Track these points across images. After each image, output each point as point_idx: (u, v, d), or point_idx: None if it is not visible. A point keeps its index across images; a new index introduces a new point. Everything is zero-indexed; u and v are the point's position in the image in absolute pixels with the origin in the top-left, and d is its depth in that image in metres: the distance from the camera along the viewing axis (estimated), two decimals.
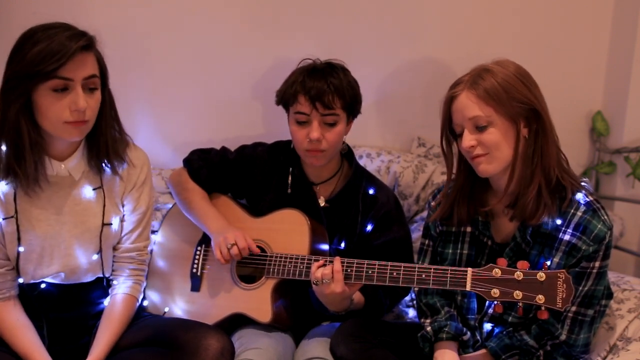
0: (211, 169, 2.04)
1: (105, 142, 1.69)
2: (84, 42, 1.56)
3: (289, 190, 2.00)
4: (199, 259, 2.01)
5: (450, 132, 1.71)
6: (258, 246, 1.91)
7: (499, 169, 1.64)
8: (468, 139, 1.62)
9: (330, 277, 1.72)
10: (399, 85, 2.43)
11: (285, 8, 2.35)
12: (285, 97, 1.91)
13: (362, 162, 2.25)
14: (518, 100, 1.59)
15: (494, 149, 1.61)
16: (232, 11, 2.34)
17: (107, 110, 1.69)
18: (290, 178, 2.00)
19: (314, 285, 1.76)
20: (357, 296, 1.86)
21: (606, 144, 2.47)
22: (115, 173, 1.74)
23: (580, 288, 1.61)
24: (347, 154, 2.05)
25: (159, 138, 2.34)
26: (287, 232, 1.89)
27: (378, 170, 2.31)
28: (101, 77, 1.64)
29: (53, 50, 1.52)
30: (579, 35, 2.44)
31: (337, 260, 1.73)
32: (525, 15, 2.42)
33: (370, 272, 1.70)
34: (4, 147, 1.60)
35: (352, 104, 1.90)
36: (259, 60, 2.37)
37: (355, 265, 1.71)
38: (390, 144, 2.47)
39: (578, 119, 2.49)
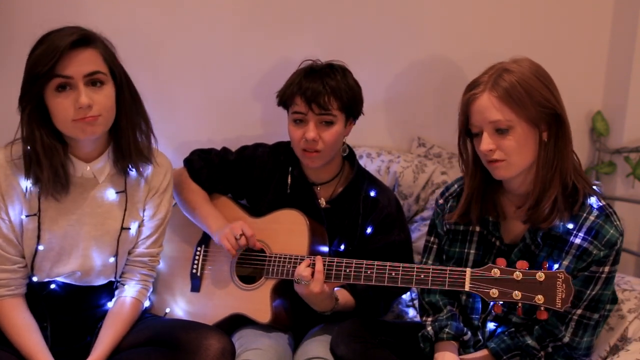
0: (211, 170, 2.04)
1: (128, 143, 1.69)
2: (75, 37, 1.56)
3: (288, 191, 2.00)
4: (198, 260, 2.01)
5: (466, 132, 1.67)
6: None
7: (515, 174, 1.62)
8: (487, 142, 1.58)
9: (310, 279, 1.74)
10: (399, 86, 2.43)
11: (287, 8, 2.35)
12: (284, 98, 1.92)
13: (362, 162, 2.25)
14: (540, 104, 1.56)
15: (513, 155, 1.58)
16: (233, 11, 2.34)
17: (128, 108, 1.69)
18: (289, 178, 2.01)
19: (294, 284, 1.78)
20: (344, 297, 1.87)
21: (606, 144, 2.47)
22: (140, 175, 1.75)
23: (588, 292, 1.61)
24: (348, 156, 2.05)
25: (159, 138, 2.33)
26: (286, 232, 1.90)
27: (378, 170, 2.31)
28: (112, 74, 1.64)
29: (46, 51, 1.55)
30: (579, 35, 2.44)
31: (319, 260, 1.75)
32: (525, 16, 2.42)
33: (369, 272, 1.70)
34: (30, 158, 1.63)
35: (350, 106, 1.89)
36: (261, 61, 2.37)
37: (354, 266, 1.72)
38: (390, 144, 2.47)
39: (578, 119, 2.48)
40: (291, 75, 1.94)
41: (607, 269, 1.60)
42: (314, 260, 1.77)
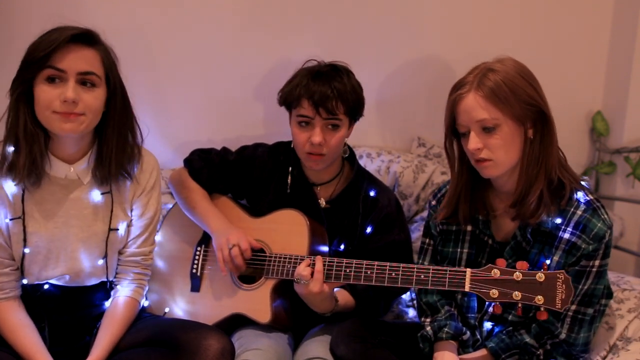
0: (212, 170, 2.04)
1: (110, 152, 1.68)
2: (77, 32, 1.57)
3: (288, 191, 2.00)
4: (198, 260, 2.01)
5: (453, 132, 1.69)
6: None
7: (503, 172, 1.64)
8: (474, 141, 1.60)
9: (309, 279, 1.74)
10: (399, 86, 2.43)
11: (286, 9, 2.35)
12: (289, 99, 1.90)
13: (362, 162, 2.25)
14: (525, 101, 1.58)
15: (500, 153, 1.60)
16: (233, 12, 2.34)
17: (117, 117, 1.67)
18: (289, 179, 2.01)
19: (294, 284, 1.78)
20: (344, 298, 1.87)
21: (606, 144, 2.47)
22: (116, 188, 1.74)
23: (580, 287, 1.61)
24: (349, 157, 2.05)
25: (159, 138, 2.34)
26: (286, 232, 1.90)
27: (378, 170, 2.31)
28: (107, 81, 1.63)
29: (46, 40, 1.56)
30: (579, 35, 2.44)
31: (319, 260, 1.75)
32: (526, 16, 2.42)
33: (369, 272, 1.70)
34: (9, 147, 1.62)
35: (354, 109, 1.89)
36: (260, 61, 2.37)
37: (354, 266, 1.72)
38: (390, 144, 2.47)
39: (578, 119, 2.49)
40: (294, 74, 1.93)
41: (597, 262, 1.61)
42: (313, 260, 1.77)
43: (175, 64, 2.36)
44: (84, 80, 1.58)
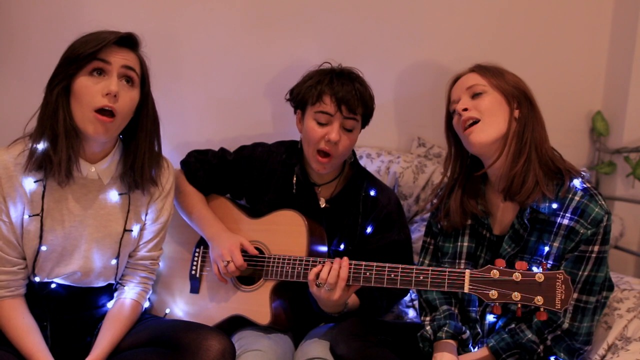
0: (208, 171, 2.04)
1: (142, 162, 1.71)
2: (125, 34, 1.63)
3: (294, 190, 1.99)
4: (197, 261, 2.01)
5: (450, 120, 1.76)
6: (257, 247, 1.92)
7: (489, 140, 1.67)
8: (463, 102, 1.69)
9: (334, 285, 1.71)
10: (399, 86, 2.43)
11: (287, 10, 2.35)
12: (307, 96, 1.89)
13: (362, 162, 2.25)
14: (514, 84, 1.71)
15: (487, 114, 1.67)
16: (234, 12, 2.34)
17: (148, 124, 1.71)
18: (295, 178, 2.00)
19: (314, 287, 1.75)
20: (352, 299, 1.86)
21: (606, 144, 2.47)
22: (143, 192, 1.76)
23: (580, 273, 1.63)
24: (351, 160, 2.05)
25: None
26: (284, 233, 1.89)
27: (378, 170, 2.31)
28: (141, 82, 1.67)
29: (93, 38, 1.60)
30: (579, 35, 2.44)
31: (345, 268, 1.71)
32: (526, 16, 2.42)
33: (367, 273, 1.70)
34: (41, 144, 1.61)
35: (369, 115, 1.92)
36: (260, 62, 2.37)
37: (353, 267, 1.72)
38: (390, 144, 2.47)
39: (578, 119, 2.49)
40: (308, 75, 1.93)
41: (596, 248, 1.62)
42: (322, 262, 1.76)
43: (175, 65, 2.35)
44: (126, 74, 1.62)
